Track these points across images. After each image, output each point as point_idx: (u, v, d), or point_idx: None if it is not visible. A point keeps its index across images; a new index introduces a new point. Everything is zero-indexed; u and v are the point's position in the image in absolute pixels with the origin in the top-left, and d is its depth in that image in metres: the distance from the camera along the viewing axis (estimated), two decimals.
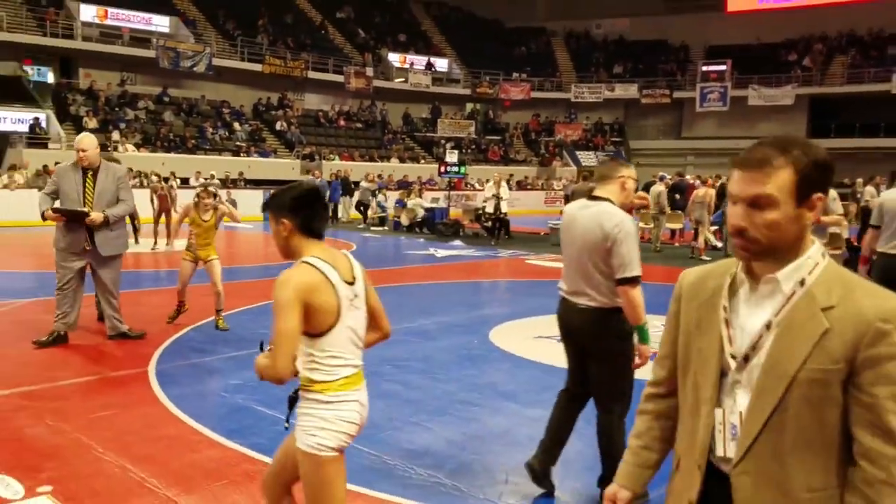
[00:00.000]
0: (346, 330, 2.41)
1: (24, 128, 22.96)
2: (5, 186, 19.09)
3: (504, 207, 16.39)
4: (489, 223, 17.11)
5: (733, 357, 1.45)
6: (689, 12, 37.99)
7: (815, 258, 1.41)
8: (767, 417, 1.38)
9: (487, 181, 17.01)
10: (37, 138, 22.79)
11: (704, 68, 35.75)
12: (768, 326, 1.40)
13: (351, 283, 2.44)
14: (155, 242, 14.21)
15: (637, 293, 3.30)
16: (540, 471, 3.64)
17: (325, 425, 2.36)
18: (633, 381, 3.53)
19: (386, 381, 5.66)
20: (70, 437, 4.35)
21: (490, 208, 16.58)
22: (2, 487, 3.57)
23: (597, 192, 3.51)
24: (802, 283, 1.39)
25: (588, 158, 35.62)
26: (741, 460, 1.42)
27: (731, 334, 1.46)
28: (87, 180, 6.38)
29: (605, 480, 3.52)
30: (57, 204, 6.39)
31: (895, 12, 33.25)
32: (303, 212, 2.42)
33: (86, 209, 6.29)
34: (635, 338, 3.43)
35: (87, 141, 6.46)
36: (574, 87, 37.62)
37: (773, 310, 1.41)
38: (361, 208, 21.61)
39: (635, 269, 3.29)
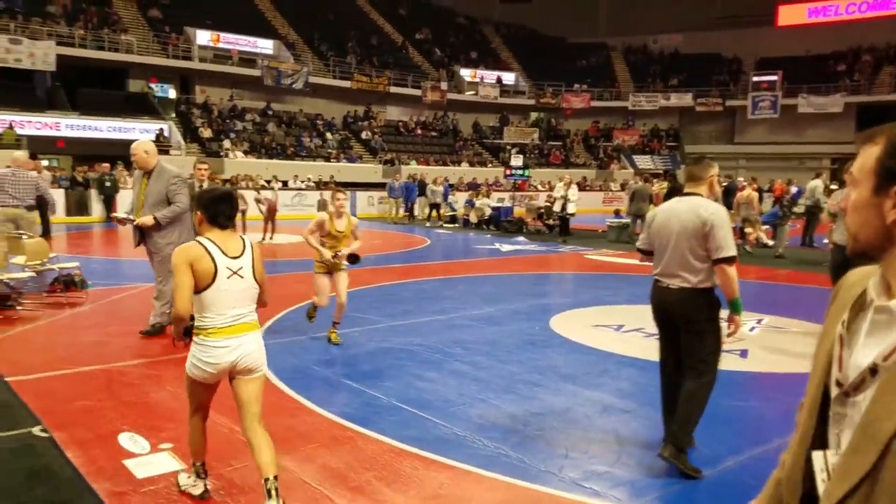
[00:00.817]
0: (222, 291, 2.92)
1: (151, 137, 24.11)
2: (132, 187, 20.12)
3: (572, 208, 16.13)
4: (556, 221, 16.88)
5: (839, 385, 1.02)
6: (741, 27, 36.49)
7: None
8: (855, 484, 0.94)
9: (560, 180, 16.68)
10: (161, 146, 23.91)
11: (756, 78, 34.30)
12: (873, 371, 0.95)
13: (235, 258, 2.96)
14: (263, 237, 14.78)
15: (733, 270, 3.46)
16: (677, 452, 3.54)
17: (192, 359, 3.00)
18: (720, 351, 3.66)
19: (456, 362, 5.66)
20: (187, 402, 4.52)
21: (558, 207, 16.33)
22: (131, 443, 3.76)
23: (688, 190, 3.69)
24: None
25: (644, 162, 34.73)
26: None
27: (843, 356, 1.02)
28: (143, 183, 6.16)
29: (675, 447, 3.52)
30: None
31: None
32: (210, 208, 2.99)
33: (130, 216, 6.21)
34: (723, 313, 3.55)
35: (135, 145, 6.20)
36: (632, 97, 36.71)
37: (884, 347, 0.95)
38: (429, 208, 21.68)
39: (731, 250, 3.44)
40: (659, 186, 16.09)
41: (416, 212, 23.06)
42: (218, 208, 3.00)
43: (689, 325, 3.57)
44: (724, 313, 3.61)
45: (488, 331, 6.80)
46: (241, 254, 3.01)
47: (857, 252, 1.06)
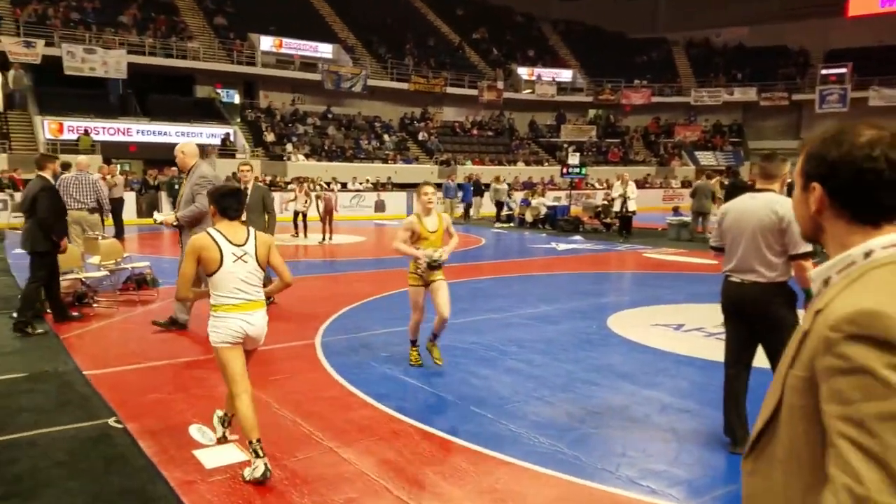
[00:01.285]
0: (229, 274, 3.37)
1: (217, 141, 24.98)
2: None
3: (632, 206, 15.79)
4: (616, 220, 16.58)
5: None
6: (809, 17, 34.86)
7: (854, 256, 1.09)
8: (767, 420, 1.12)
9: (618, 178, 16.35)
10: (226, 150, 24.73)
11: (824, 71, 32.74)
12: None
13: (240, 245, 3.41)
14: (322, 238, 15.02)
15: (810, 264, 3.48)
16: None
17: (215, 332, 3.41)
18: None
19: (511, 360, 5.65)
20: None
21: (617, 206, 16.01)
22: (200, 434, 3.91)
23: (761, 186, 3.72)
24: (827, 282, 1.11)
25: (706, 158, 33.66)
26: (748, 458, 1.17)
27: None
28: (183, 184, 6.47)
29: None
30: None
31: None
32: (220, 202, 3.47)
33: (158, 217, 6.69)
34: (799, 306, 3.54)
35: (177, 147, 6.42)
36: (693, 92, 35.63)
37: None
38: (496, 207, 21.49)
39: (808, 246, 3.44)
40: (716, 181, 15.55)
41: (472, 212, 23.09)
42: (226, 202, 3.47)
43: (765, 319, 3.54)
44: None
45: (544, 329, 6.76)
46: (245, 242, 3.45)
47: (807, 239, 1.27)
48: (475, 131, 33.10)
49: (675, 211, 19.01)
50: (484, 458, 3.68)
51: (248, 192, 7.44)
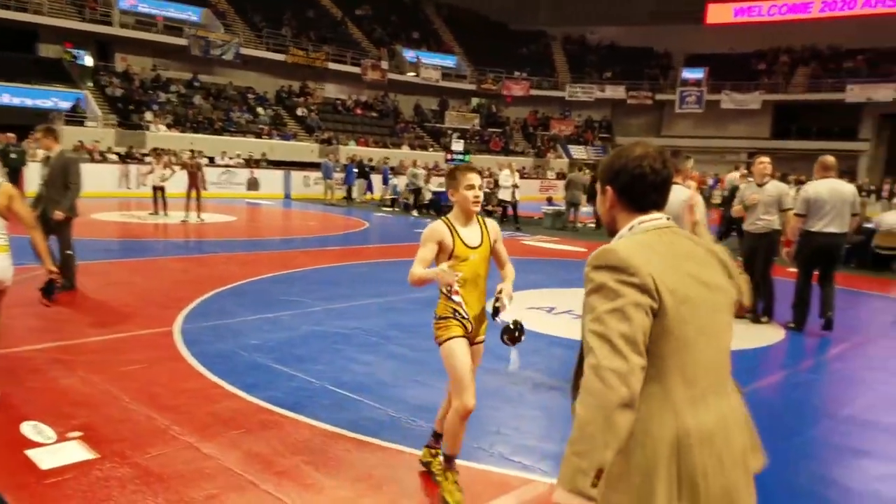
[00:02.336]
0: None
1: (66, 106, 22.67)
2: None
3: (518, 195, 16.17)
4: (498, 208, 16.82)
5: None
6: (673, 23, 37.47)
7: (623, 231, 1.59)
8: (579, 356, 1.50)
9: (508, 167, 16.60)
10: (75, 117, 22.50)
11: (684, 74, 35.44)
12: None
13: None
14: (186, 215, 14.05)
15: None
16: None
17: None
18: None
19: (394, 345, 5.56)
20: (100, 388, 4.24)
21: (507, 196, 16.28)
22: (35, 433, 3.47)
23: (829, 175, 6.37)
24: None
25: (579, 152, 35.37)
26: (573, 395, 1.52)
27: None
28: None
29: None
30: None
31: (851, 31, 33.24)
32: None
33: None
34: None
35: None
36: (569, 87, 37.24)
37: None
38: (413, 194, 20.00)
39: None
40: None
41: (355, 194, 22.71)
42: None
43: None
44: None
45: (428, 314, 6.67)
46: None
47: (608, 228, 1.67)
48: (359, 111, 32.53)
49: (550, 201, 19.76)
50: (361, 445, 3.57)
51: (50, 162, 6.75)
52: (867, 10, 33.20)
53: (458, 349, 3.01)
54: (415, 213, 18.91)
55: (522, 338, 2.90)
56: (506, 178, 16.21)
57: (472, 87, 36.58)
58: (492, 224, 3.24)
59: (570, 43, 41.32)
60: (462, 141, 21.06)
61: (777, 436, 3.82)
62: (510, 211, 16.25)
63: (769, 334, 6.50)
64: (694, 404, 1.44)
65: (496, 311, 2.94)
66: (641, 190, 1.56)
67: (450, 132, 32.04)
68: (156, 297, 6.89)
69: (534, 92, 36.74)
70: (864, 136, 32.60)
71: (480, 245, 3.09)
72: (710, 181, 25.19)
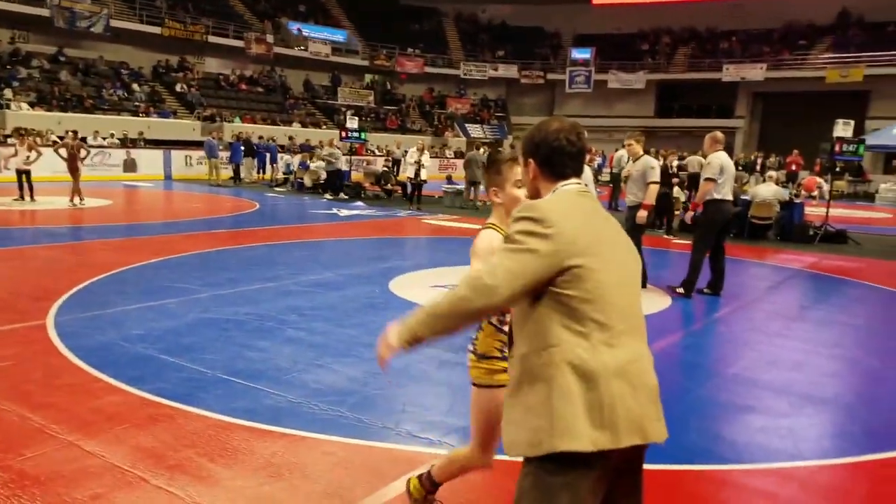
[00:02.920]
0: None
1: None
2: None
3: (424, 174, 16.05)
4: (397, 187, 16.68)
5: None
6: (562, 2, 38.48)
7: (547, 195, 1.80)
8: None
9: (416, 146, 16.41)
10: None
11: (573, 54, 36.55)
12: None
13: None
14: (72, 200, 13.02)
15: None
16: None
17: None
18: None
19: (291, 329, 5.40)
20: None
21: (411, 173, 16.14)
22: None
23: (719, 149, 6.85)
24: None
25: (476, 130, 35.74)
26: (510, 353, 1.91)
27: None
28: None
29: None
30: None
31: (725, 13, 35.34)
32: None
33: None
34: None
35: None
36: (463, 65, 37.45)
37: None
38: (326, 175, 18.96)
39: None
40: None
41: (243, 174, 21.81)
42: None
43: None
44: None
45: (326, 296, 6.58)
46: None
47: (532, 199, 1.85)
48: (243, 86, 31.13)
49: (449, 179, 19.89)
50: (259, 434, 3.44)
51: None
52: None
53: (500, 400, 2.04)
54: (328, 195, 18.22)
55: None
56: (411, 155, 16.14)
57: (365, 63, 35.96)
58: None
59: (463, 20, 41.47)
60: (357, 118, 20.65)
61: (671, 396, 4.05)
62: (409, 191, 16.23)
63: (657, 301, 6.89)
64: (610, 343, 1.60)
65: None
66: (560, 160, 1.77)
67: (343, 109, 31.43)
68: (25, 289, 6.32)
69: (428, 69, 36.67)
70: (739, 114, 35.05)
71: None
72: (598, 159, 26.33)
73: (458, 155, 30.05)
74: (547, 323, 1.61)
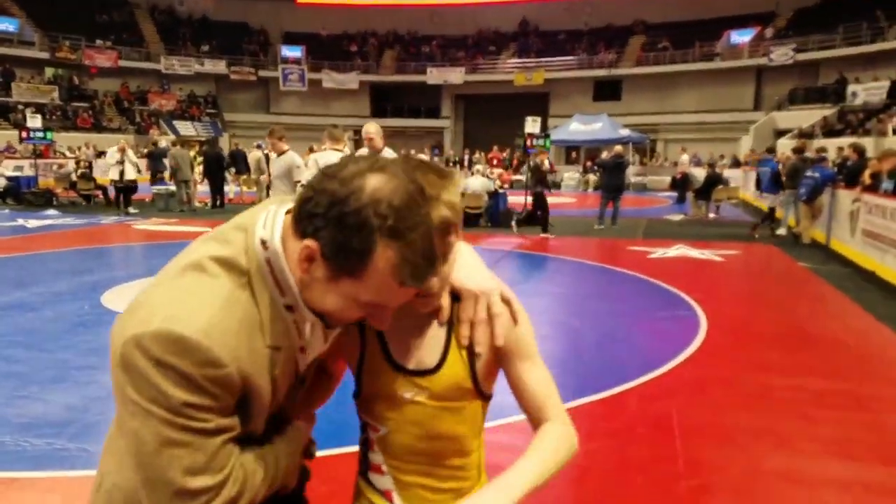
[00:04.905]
0: None
1: None
2: None
3: (131, 174, 14.37)
4: (97, 191, 14.88)
5: None
6: (267, 0, 37.75)
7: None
8: None
9: (116, 146, 14.52)
10: None
11: (283, 52, 36.15)
12: None
13: None
14: None
15: None
16: None
17: None
18: None
19: None
20: None
21: (115, 175, 14.33)
22: None
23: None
24: None
25: (186, 128, 33.24)
26: None
27: None
28: None
29: None
30: None
31: (427, 18, 38.00)
32: None
33: None
34: None
35: None
36: (164, 59, 34.50)
37: None
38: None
39: None
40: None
41: None
42: None
43: None
44: None
45: (23, 319, 5.61)
46: None
47: None
48: None
49: (161, 181, 18.27)
50: None
51: None
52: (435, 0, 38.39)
53: None
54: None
55: None
56: (111, 156, 14.46)
57: (45, 55, 31.09)
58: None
59: (159, 13, 38.24)
60: (40, 116, 17.81)
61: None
62: (112, 195, 14.61)
63: None
64: None
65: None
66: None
67: (21, 106, 26.84)
68: None
69: (123, 63, 33.07)
70: (445, 114, 38.10)
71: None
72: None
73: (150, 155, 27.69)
74: None
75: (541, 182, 12.30)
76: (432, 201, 1.04)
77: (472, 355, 1.16)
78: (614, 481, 3.02)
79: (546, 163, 13.47)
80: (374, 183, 0.94)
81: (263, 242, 1.01)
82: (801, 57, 28.54)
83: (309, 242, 0.95)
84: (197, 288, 0.98)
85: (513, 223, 12.62)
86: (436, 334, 1.17)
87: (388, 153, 5.82)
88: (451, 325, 1.17)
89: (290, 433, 1.17)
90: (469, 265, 1.22)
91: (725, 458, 3.22)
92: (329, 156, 6.18)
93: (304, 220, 0.96)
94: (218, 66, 35.36)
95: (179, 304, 0.95)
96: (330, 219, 0.93)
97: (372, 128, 5.92)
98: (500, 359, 1.19)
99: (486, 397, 1.22)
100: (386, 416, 1.17)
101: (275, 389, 1.05)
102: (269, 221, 1.02)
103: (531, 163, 13.67)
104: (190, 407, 0.93)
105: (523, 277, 8.49)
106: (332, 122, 36.01)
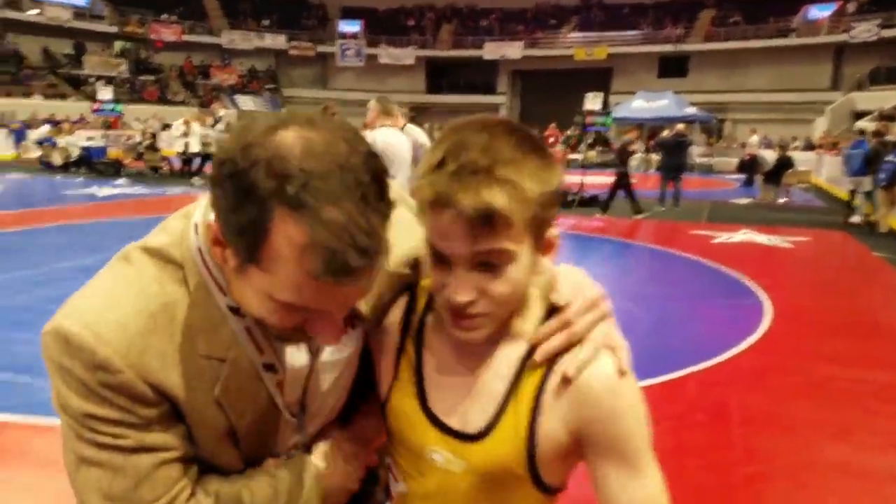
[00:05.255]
0: None
1: None
2: None
3: (196, 146, 14.98)
4: (179, 162, 15.62)
5: None
6: None
7: None
8: None
9: (182, 119, 15.25)
10: None
11: (341, 27, 36.22)
12: None
13: None
14: None
15: None
16: None
17: None
18: None
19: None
20: None
21: (180, 147, 15.02)
22: None
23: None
24: None
25: (246, 102, 33.96)
26: None
27: None
28: None
29: None
30: None
31: None
32: None
33: None
34: None
35: None
36: (225, 34, 35.26)
37: None
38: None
39: None
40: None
41: None
42: None
43: None
44: None
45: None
46: None
47: None
48: None
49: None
50: (40, 431, 3.10)
51: None
52: None
53: None
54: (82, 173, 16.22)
55: None
56: (176, 128, 15.05)
57: (114, 29, 32.26)
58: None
59: None
60: (110, 87, 18.57)
61: None
62: (176, 166, 15.22)
63: None
64: None
65: None
66: None
67: (92, 79, 27.97)
68: None
69: (187, 37, 33.97)
70: (501, 90, 37.66)
71: None
72: None
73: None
74: None
75: (624, 162, 12.02)
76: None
77: (533, 422, 0.79)
78: (669, 466, 3.02)
79: (637, 142, 13.32)
80: (281, 137, 0.68)
81: (196, 227, 0.81)
82: (887, 34, 26.94)
83: (211, 220, 0.74)
84: (111, 281, 0.82)
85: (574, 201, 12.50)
86: (491, 386, 0.82)
87: (415, 131, 5.43)
88: (519, 377, 0.81)
89: (297, 463, 0.90)
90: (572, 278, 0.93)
91: (783, 447, 3.19)
92: (389, 134, 4.95)
93: (211, 191, 0.72)
94: (277, 41, 35.84)
95: (83, 298, 0.81)
96: (222, 185, 0.69)
97: (371, 104, 5.42)
98: (584, 447, 0.82)
99: (549, 490, 0.84)
100: (407, 473, 0.89)
101: (232, 416, 0.83)
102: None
103: (620, 141, 13.49)
104: (92, 418, 0.77)
105: (578, 258, 8.43)
106: (389, 98, 35.88)
